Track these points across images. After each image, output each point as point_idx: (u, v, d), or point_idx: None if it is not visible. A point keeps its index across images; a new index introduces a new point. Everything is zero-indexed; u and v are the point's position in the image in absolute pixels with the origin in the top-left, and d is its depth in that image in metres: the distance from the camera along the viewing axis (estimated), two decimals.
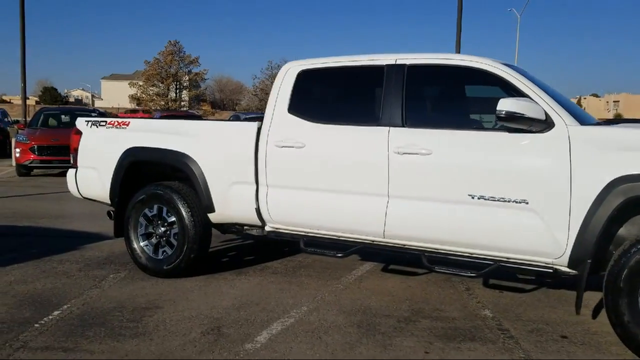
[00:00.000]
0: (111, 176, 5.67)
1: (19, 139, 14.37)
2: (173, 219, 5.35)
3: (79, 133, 5.97)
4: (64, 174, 14.91)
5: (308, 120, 4.76)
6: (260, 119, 5.08)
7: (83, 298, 4.82)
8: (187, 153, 5.20)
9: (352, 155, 4.50)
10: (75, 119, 6.11)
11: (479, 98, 4.91)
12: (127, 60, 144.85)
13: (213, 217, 5.24)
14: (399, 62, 4.51)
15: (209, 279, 5.43)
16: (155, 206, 5.45)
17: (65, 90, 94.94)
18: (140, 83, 49.93)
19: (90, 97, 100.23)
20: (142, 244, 5.54)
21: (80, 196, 6.11)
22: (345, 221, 4.55)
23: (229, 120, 22.77)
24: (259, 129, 4.97)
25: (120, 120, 5.77)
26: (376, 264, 6.04)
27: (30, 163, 14.13)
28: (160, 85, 48.80)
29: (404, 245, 4.42)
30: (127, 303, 4.70)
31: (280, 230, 5.00)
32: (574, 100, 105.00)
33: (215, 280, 5.40)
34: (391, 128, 4.37)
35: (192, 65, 48.82)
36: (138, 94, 50.16)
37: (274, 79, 5.17)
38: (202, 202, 5.20)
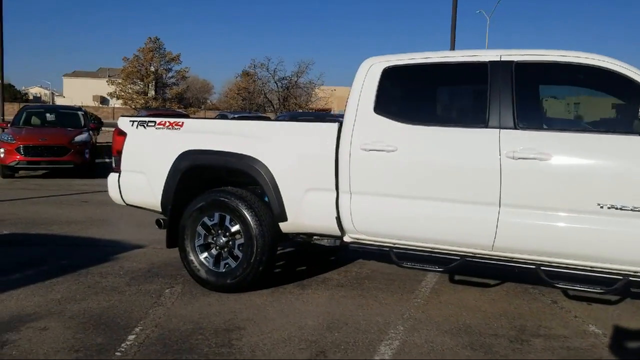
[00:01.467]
0: (163, 181, 5.19)
1: (3, 139, 13.50)
2: (237, 228, 4.91)
3: (123, 134, 5.46)
4: (48, 175, 14.30)
5: (399, 122, 4.39)
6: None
7: (151, 318, 4.34)
8: (256, 157, 4.77)
9: (455, 160, 4.15)
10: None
11: (596, 98, 4.62)
12: (91, 58, 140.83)
13: (284, 226, 4.82)
14: (504, 58, 4.18)
15: (274, 293, 5.01)
16: (217, 214, 5.00)
17: (23, 88, 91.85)
18: (119, 80, 48.30)
19: (49, 94, 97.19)
20: (201, 256, 5.07)
21: (122, 203, 5.60)
22: (445, 231, 4.20)
23: (216, 118, 22.12)
24: (339, 130, 4.57)
25: (172, 120, 5.28)
26: (436, 274, 5.70)
27: (16, 164, 13.29)
28: (141, 83, 47.13)
29: (514, 257, 4.10)
30: (204, 323, 4.25)
31: (364, 241, 4.62)
32: None
33: (281, 294, 4.98)
34: (502, 130, 4.04)
35: (172, 62, 47.47)
36: (117, 92, 48.43)
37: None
38: (272, 210, 4.77)
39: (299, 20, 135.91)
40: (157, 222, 5.37)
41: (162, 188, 5.20)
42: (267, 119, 22.12)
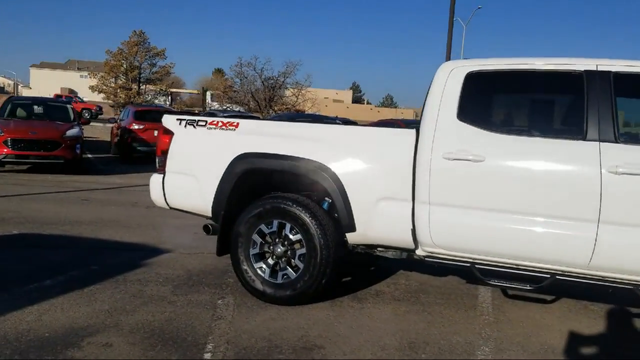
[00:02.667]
0: (215, 185, 4.86)
1: None
2: (298, 237, 4.63)
3: (169, 133, 5.11)
4: (34, 170, 13.63)
5: (486, 130, 4.18)
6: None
7: (218, 334, 4.03)
8: (323, 162, 4.49)
9: (551, 174, 3.95)
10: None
11: None
12: (59, 49, 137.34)
13: (352, 237, 4.56)
14: (600, 68, 4.00)
15: (333, 307, 4.75)
16: (276, 222, 4.70)
17: None
18: (102, 74, 46.76)
19: (13, 84, 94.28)
20: (256, 265, 4.77)
21: (165, 206, 5.24)
22: (537, 248, 4.00)
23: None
24: (417, 137, 4.33)
25: (225, 120, 4.96)
26: (488, 287, 5.50)
27: (4, 158, 12.62)
28: (124, 77, 45.42)
29: (611, 277, 3.92)
30: (277, 341, 3.96)
31: (440, 255, 4.38)
32: None
33: (341, 309, 4.72)
34: (602, 144, 3.86)
35: (157, 57, 46.16)
36: (99, 86, 46.78)
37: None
38: (340, 219, 4.50)
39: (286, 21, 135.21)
40: (205, 228, 5.03)
41: (214, 192, 4.87)
42: (257, 118, 21.74)
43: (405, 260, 4.79)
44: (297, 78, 36.28)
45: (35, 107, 14.77)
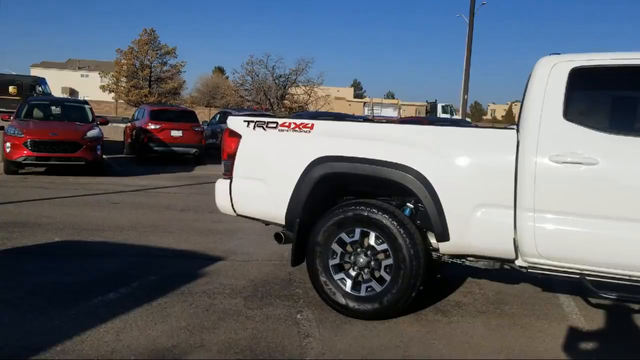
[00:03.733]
0: (289, 191, 4.55)
1: (9, 132, 12.48)
2: (384, 247, 4.32)
3: (236, 136, 4.80)
4: (52, 172, 13.22)
5: (598, 130, 3.87)
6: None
7: (315, 353, 3.74)
8: (413, 166, 4.18)
9: None
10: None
11: None
12: (60, 48, 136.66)
13: (445, 247, 4.25)
14: None
15: (419, 321, 4.46)
16: (358, 230, 4.40)
17: None
18: (113, 73, 46.14)
19: None
20: (336, 277, 4.46)
21: (232, 213, 4.93)
22: None
23: (218, 116, 21.22)
24: (518, 138, 4.02)
25: (298, 121, 4.64)
26: (567, 295, 5.22)
27: (24, 160, 12.28)
28: (136, 76, 44.55)
29: None
30: None
31: (544, 266, 4.07)
32: (506, 107, 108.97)
33: (428, 323, 4.43)
34: None
35: (168, 56, 45.50)
36: (110, 85, 46.12)
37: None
38: (434, 228, 4.19)
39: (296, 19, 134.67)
40: (277, 236, 4.71)
41: (288, 199, 4.56)
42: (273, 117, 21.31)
43: (468, 267, 4.50)
44: (308, 76, 35.64)
45: (53, 107, 14.43)
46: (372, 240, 4.38)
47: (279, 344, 3.85)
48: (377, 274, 4.39)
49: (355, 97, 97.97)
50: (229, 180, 4.84)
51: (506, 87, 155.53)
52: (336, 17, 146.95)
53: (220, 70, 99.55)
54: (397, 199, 4.64)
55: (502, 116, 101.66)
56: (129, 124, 19.46)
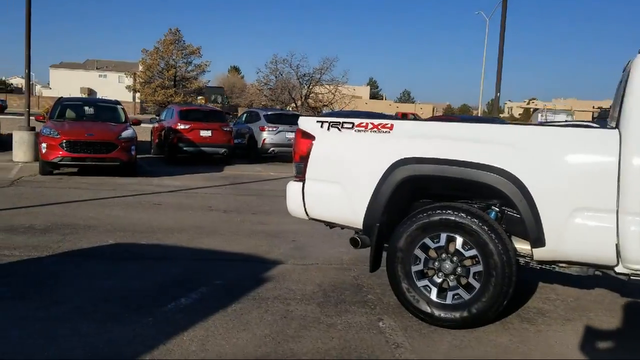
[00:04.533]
0: (368, 194, 4.37)
1: (45, 133, 12.42)
2: (473, 253, 4.12)
3: (309, 137, 4.63)
4: (85, 172, 13.13)
5: None
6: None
7: None
8: (507, 168, 3.98)
9: None
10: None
11: None
12: (77, 49, 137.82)
13: (540, 252, 4.04)
14: None
15: (507, 330, 4.30)
16: (444, 235, 4.21)
17: (2, 78, 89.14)
18: (138, 73, 46.04)
19: (32, 85, 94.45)
20: (419, 283, 4.28)
21: (304, 216, 4.76)
22: None
23: (245, 115, 21.11)
24: (620, 138, 3.81)
25: (376, 122, 4.46)
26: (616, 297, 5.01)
27: (60, 160, 12.22)
28: (162, 77, 44.25)
29: None
30: None
31: None
32: (524, 104, 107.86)
33: (516, 331, 4.27)
34: None
35: (193, 55, 45.38)
36: (136, 87, 46.10)
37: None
38: (529, 233, 3.99)
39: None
40: (353, 241, 4.54)
41: (367, 202, 4.38)
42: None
43: (533, 269, 4.31)
44: (333, 74, 35.37)
45: (86, 107, 14.38)
46: (459, 245, 4.19)
47: (371, 354, 3.67)
48: (463, 281, 4.20)
49: (371, 96, 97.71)
50: (301, 183, 4.68)
51: (521, 85, 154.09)
52: (351, 15, 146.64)
53: (235, 69, 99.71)
54: (479, 202, 4.44)
55: (520, 114, 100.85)
56: (156, 124, 19.42)
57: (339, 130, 4.55)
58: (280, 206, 9.68)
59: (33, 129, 15.83)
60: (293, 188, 4.74)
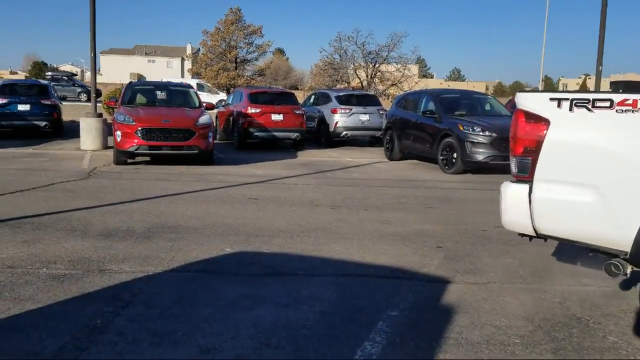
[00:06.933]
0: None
1: (119, 120, 11.49)
2: None
3: (541, 121, 3.34)
4: (160, 161, 12.06)
5: None
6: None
7: None
8: None
9: None
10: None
11: None
12: (124, 34, 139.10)
13: None
14: None
15: None
16: None
17: (52, 65, 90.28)
18: (201, 55, 44.92)
19: (80, 72, 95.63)
20: None
21: (530, 232, 3.51)
22: None
23: (313, 97, 19.82)
24: None
25: None
26: None
27: (136, 149, 11.28)
28: (224, 58, 42.75)
29: None
30: None
31: None
32: (580, 81, 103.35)
33: None
34: None
35: (254, 35, 43.93)
36: (197, 69, 45.05)
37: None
38: None
39: None
40: (611, 267, 3.24)
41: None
42: (374, 97, 19.85)
43: None
44: (402, 51, 33.25)
45: (158, 92, 13.40)
46: None
47: None
48: None
49: (420, 75, 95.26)
50: (526, 186, 3.40)
51: (576, 61, 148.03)
52: None
53: (280, 51, 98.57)
54: None
55: (575, 90, 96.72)
56: (222, 109, 18.43)
57: (589, 110, 3.25)
58: (389, 200, 8.53)
59: (100, 115, 15.06)
60: (513, 192, 3.48)
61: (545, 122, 3.35)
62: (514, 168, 3.52)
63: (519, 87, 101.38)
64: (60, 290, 4.16)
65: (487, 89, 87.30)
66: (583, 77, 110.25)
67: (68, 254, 5.09)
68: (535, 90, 14.12)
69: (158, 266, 4.82)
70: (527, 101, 3.48)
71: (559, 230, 3.44)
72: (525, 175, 3.44)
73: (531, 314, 3.99)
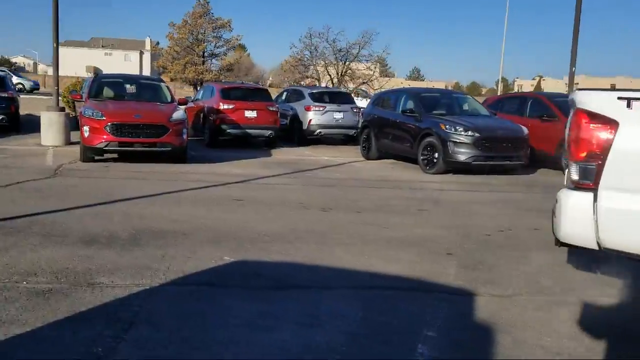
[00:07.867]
0: None
1: (87, 114, 10.78)
2: None
3: (608, 122, 3.01)
4: (130, 159, 11.32)
5: None
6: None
7: None
8: None
9: None
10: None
11: None
12: (80, 27, 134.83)
13: None
14: None
15: None
16: None
17: (4, 56, 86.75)
18: (167, 48, 43.41)
19: (32, 64, 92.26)
20: None
21: (592, 245, 3.18)
22: None
23: (285, 94, 19.30)
24: None
25: None
26: None
27: (105, 146, 10.59)
28: (191, 52, 41.19)
29: None
30: None
31: None
32: (534, 82, 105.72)
33: None
34: None
35: (223, 29, 42.68)
36: (163, 63, 43.53)
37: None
38: None
39: None
40: None
41: None
42: (348, 95, 19.46)
43: None
44: (373, 49, 32.93)
45: (128, 85, 12.68)
46: None
47: None
48: None
49: (380, 74, 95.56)
50: (590, 194, 3.07)
51: (529, 63, 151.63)
52: None
53: (241, 47, 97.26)
54: None
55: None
56: (191, 104, 17.75)
57: None
58: (378, 202, 8.18)
59: (63, 109, 14.22)
60: (575, 201, 3.15)
61: (614, 123, 3.02)
62: (574, 174, 3.19)
63: (476, 88, 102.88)
64: (47, 309, 3.63)
65: (445, 88, 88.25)
66: (538, 78, 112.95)
67: (49, 264, 4.53)
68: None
69: (154, 278, 4.32)
70: (590, 100, 3.15)
71: (628, 245, 3.12)
72: (588, 182, 3.11)
73: (575, 331, 3.68)
